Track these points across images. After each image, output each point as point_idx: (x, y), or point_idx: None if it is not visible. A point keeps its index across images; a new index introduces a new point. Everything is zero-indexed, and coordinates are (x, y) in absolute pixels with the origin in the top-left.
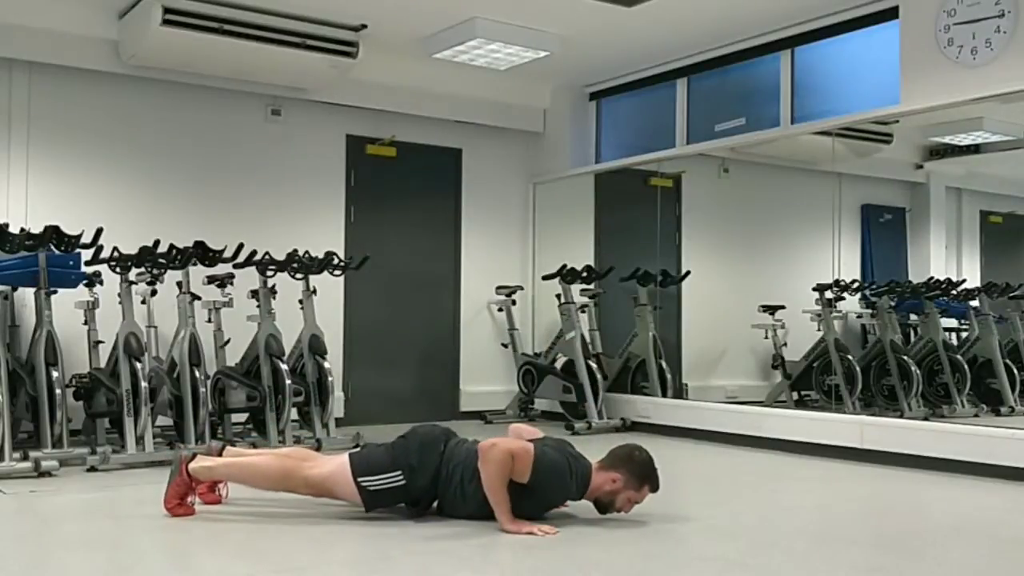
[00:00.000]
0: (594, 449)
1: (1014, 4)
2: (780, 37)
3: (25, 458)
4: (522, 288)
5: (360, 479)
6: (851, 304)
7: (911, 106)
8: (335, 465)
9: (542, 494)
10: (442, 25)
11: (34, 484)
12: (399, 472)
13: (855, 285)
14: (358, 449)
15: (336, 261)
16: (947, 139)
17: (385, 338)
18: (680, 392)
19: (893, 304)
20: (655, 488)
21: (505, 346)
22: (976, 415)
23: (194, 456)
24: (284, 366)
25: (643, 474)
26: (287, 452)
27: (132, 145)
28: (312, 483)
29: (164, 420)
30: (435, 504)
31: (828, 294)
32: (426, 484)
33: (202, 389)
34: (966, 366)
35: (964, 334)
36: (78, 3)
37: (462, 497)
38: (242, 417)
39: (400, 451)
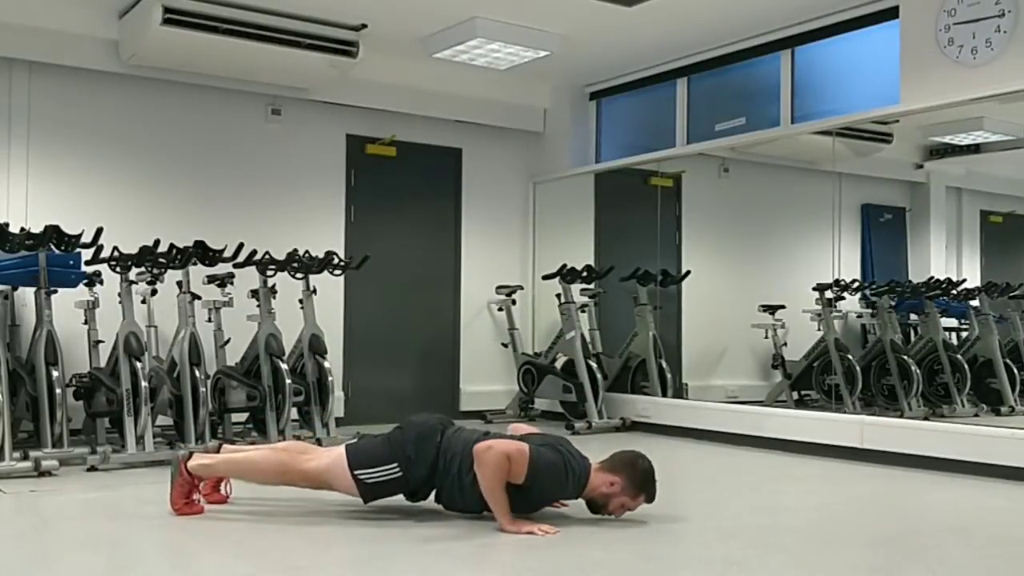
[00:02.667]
0: (594, 449)
1: (1014, 4)
2: (780, 37)
3: (25, 458)
4: (522, 288)
5: (357, 472)
6: (851, 304)
7: (911, 106)
8: (332, 458)
9: (538, 493)
10: (442, 25)
11: (34, 484)
12: (396, 464)
13: (855, 285)
14: (355, 440)
15: (336, 261)
16: (947, 139)
17: (385, 338)
18: (680, 392)
19: (893, 304)
20: (651, 499)
21: (505, 346)
22: (976, 415)
23: (191, 455)
24: (284, 366)
25: (642, 483)
26: (284, 446)
27: (132, 145)
28: (309, 476)
29: (164, 420)
30: (433, 494)
31: (828, 294)
32: (423, 475)
33: (202, 389)
34: (966, 366)
35: (964, 334)
36: (78, 3)
37: (459, 488)
38: (242, 417)
39: (397, 443)
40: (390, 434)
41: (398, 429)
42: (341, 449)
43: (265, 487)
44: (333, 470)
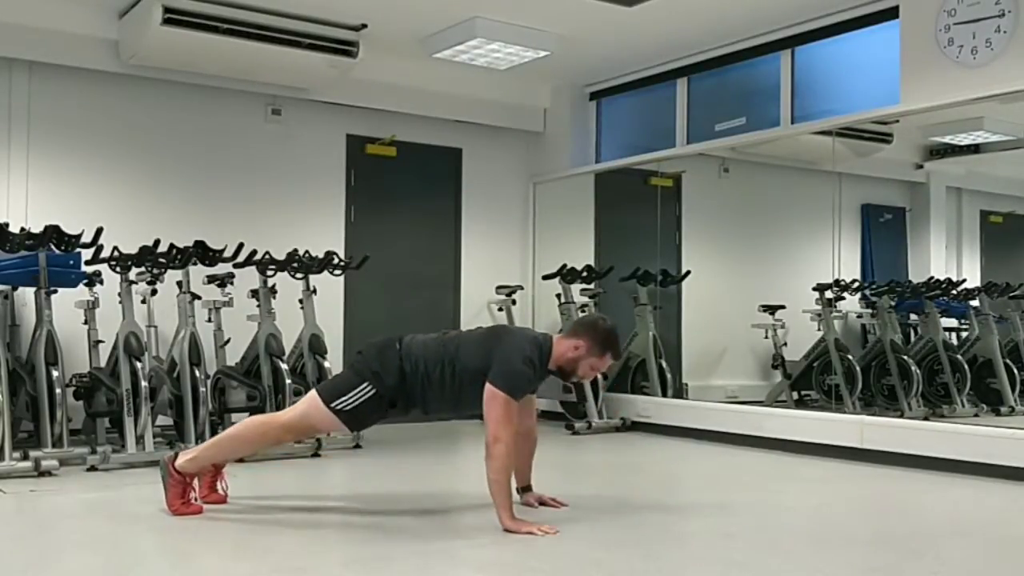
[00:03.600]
0: (595, 449)
1: (1014, 4)
2: (780, 37)
3: (25, 457)
4: (522, 288)
5: (333, 404)
6: (851, 304)
7: (911, 106)
8: (307, 402)
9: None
10: (442, 25)
11: (34, 483)
12: (366, 383)
13: (855, 285)
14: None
15: (336, 261)
16: (947, 139)
17: None
18: (680, 392)
19: (893, 304)
20: (617, 355)
21: None
22: (976, 415)
23: (176, 455)
24: (284, 366)
25: (605, 340)
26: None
27: (132, 145)
28: (291, 427)
29: (164, 420)
30: (414, 410)
31: (828, 294)
32: (394, 383)
33: (202, 389)
34: (966, 366)
35: (964, 334)
36: (78, 3)
37: (431, 386)
38: (242, 417)
39: (361, 364)
40: (352, 362)
41: (358, 354)
42: (313, 392)
43: (264, 487)
44: (311, 412)
